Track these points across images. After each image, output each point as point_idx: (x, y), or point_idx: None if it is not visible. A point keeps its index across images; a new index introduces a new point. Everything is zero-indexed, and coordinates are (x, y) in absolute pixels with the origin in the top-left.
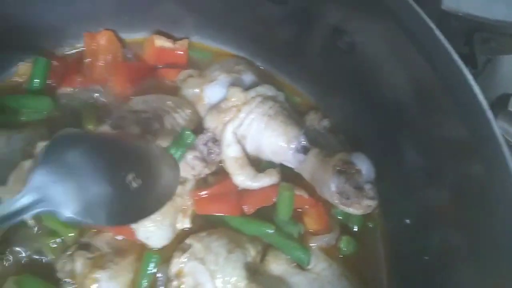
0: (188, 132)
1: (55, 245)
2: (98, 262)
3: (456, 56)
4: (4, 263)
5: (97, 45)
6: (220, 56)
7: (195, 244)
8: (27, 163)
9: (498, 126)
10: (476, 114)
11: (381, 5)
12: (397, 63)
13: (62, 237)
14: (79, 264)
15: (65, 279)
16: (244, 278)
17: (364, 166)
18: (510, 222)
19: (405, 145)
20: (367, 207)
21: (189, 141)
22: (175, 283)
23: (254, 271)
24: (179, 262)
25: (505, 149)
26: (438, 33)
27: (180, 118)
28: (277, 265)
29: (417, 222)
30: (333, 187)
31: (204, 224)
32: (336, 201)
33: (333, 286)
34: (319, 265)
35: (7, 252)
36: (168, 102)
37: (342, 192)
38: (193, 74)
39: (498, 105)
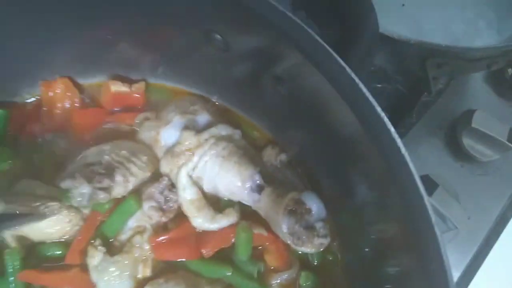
0: (132, 202)
1: None
2: None
3: (377, 107)
4: None
5: (54, 93)
6: (178, 94)
7: None
8: None
9: (463, 143)
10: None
11: (312, 58)
12: (338, 105)
13: None
14: None
15: None
16: None
17: (314, 205)
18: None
19: (355, 180)
20: (319, 245)
21: (133, 211)
22: None
23: None
24: None
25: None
26: (361, 86)
27: (135, 167)
28: None
29: (374, 253)
30: (284, 228)
31: (166, 268)
32: (289, 242)
33: None
34: None
35: None
36: (123, 151)
37: (293, 232)
38: (150, 116)
39: (462, 121)
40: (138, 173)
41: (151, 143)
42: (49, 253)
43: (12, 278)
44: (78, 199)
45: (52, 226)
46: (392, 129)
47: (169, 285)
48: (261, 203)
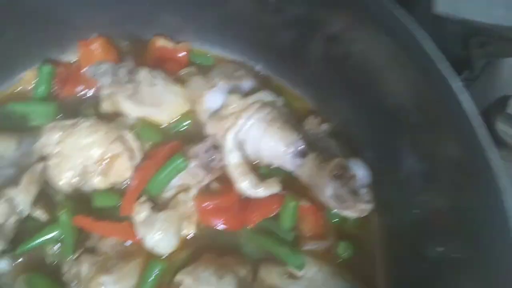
0: (180, 159)
1: (53, 251)
2: (104, 266)
3: (446, 68)
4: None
5: (92, 52)
6: (220, 61)
7: (185, 278)
8: (39, 166)
9: (497, 129)
10: (464, 125)
11: (374, 16)
12: (390, 72)
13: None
14: (85, 267)
15: (72, 282)
16: None
17: (359, 171)
18: (503, 235)
19: (403, 150)
20: (362, 210)
21: (181, 168)
22: None
23: None
24: None
25: (492, 155)
26: (430, 43)
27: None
28: (270, 280)
29: (414, 228)
30: (329, 191)
31: (189, 256)
32: (332, 205)
33: (329, 287)
34: (310, 270)
35: (17, 250)
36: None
37: (338, 196)
38: (195, 72)
39: (497, 107)
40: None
41: (194, 101)
42: (103, 203)
43: (66, 226)
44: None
45: None
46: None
47: (199, 270)
48: (304, 168)
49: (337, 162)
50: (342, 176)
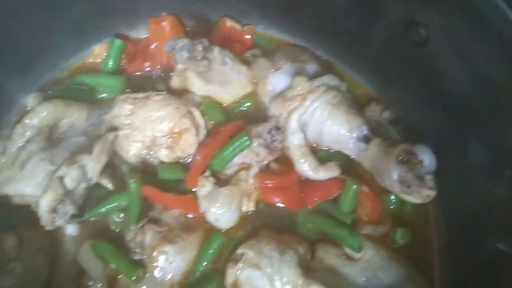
0: (245, 137)
1: (119, 220)
2: (167, 237)
3: None
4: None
5: (162, 30)
6: (283, 45)
7: (248, 252)
8: (110, 136)
9: None
10: None
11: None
12: (471, 58)
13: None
14: (149, 236)
15: (135, 249)
16: (300, 275)
17: (426, 157)
18: None
19: (468, 140)
20: (426, 196)
21: (245, 146)
22: None
23: (306, 269)
24: (234, 272)
25: None
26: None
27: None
28: (328, 260)
29: (474, 219)
30: (395, 176)
31: (248, 233)
32: (397, 189)
33: (385, 271)
34: (367, 253)
35: (85, 216)
36: None
37: (403, 180)
38: (259, 54)
39: None
40: None
41: (259, 81)
42: (168, 176)
43: (134, 194)
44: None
45: None
46: None
47: (261, 244)
48: (367, 153)
49: (404, 147)
50: (408, 161)
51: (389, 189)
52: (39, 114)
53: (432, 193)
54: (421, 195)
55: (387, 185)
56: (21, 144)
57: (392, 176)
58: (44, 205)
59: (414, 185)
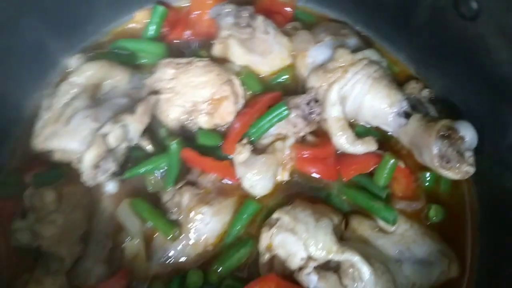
0: (284, 106)
1: (156, 181)
2: (204, 199)
3: None
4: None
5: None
6: (323, 20)
7: (283, 217)
8: (153, 98)
9: None
10: None
11: None
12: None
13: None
14: (187, 197)
15: (172, 209)
16: (335, 242)
17: (468, 133)
18: None
19: (507, 122)
20: (465, 173)
21: (283, 116)
22: (266, 256)
23: (340, 237)
24: (269, 236)
25: None
26: None
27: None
28: (361, 231)
29: (508, 201)
30: (435, 150)
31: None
32: (436, 164)
33: (418, 245)
34: (401, 227)
35: (125, 174)
36: None
37: (443, 155)
38: (299, 26)
39: None
40: None
41: (298, 54)
42: (206, 142)
43: (174, 156)
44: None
45: None
46: None
47: (297, 210)
48: (407, 128)
49: (445, 123)
50: (449, 137)
51: (427, 165)
52: (85, 73)
53: (471, 170)
54: (460, 171)
55: (425, 161)
56: (66, 101)
57: (432, 151)
58: (87, 160)
59: (453, 161)
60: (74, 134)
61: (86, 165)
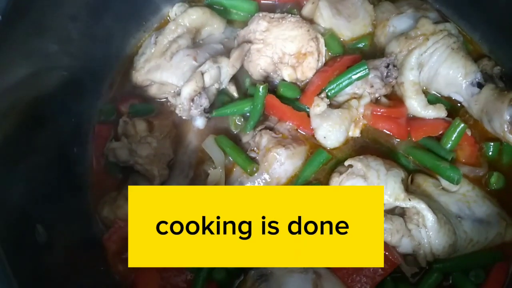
0: (365, 66)
1: (240, 123)
2: (281, 142)
3: None
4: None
5: None
6: None
7: (356, 163)
8: (247, 46)
9: None
10: None
11: None
12: None
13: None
14: (265, 139)
15: (252, 148)
16: (403, 190)
17: None
18: None
19: None
20: None
21: (363, 75)
22: None
23: (406, 190)
24: (338, 181)
25: None
26: None
27: None
28: (425, 187)
29: None
30: (506, 116)
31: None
32: (506, 129)
33: (478, 205)
34: (463, 187)
35: (213, 113)
36: None
37: None
38: None
39: None
40: None
41: (379, 23)
42: (286, 93)
43: (260, 100)
44: None
45: None
46: None
47: (369, 159)
48: (479, 96)
49: None
50: None
51: (495, 132)
52: (190, 16)
53: None
54: None
55: (494, 127)
56: (171, 39)
57: (504, 116)
58: (186, 93)
59: None
60: (175, 69)
61: (184, 97)
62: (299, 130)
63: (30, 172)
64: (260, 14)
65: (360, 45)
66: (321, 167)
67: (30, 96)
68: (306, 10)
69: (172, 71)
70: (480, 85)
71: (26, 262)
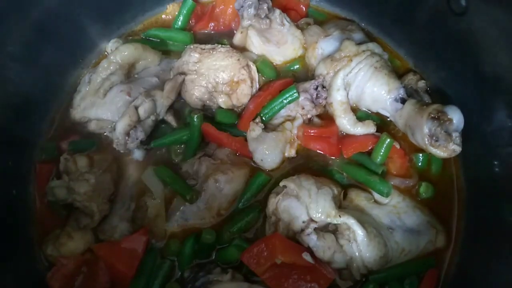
0: (294, 90)
1: (180, 151)
2: (219, 168)
3: None
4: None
5: None
6: (332, 17)
7: (289, 184)
8: (180, 78)
9: None
10: None
11: None
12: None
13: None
14: (204, 166)
15: (191, 177)
16: (333, 208)
17: (455, 116)
18: None
19: (495, 109)
20: (452, 151)
21: (293, 98)
22: (272, 219)
23: (339, 206)
24: (275, 202)
25: None
26: None
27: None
28: (358, 202)
29: (494, 183)
30: (426, 129)
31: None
32: (427, 142)
33: (408, 215)
34: (394, 199)
35: (151, 144)
36: None
37: (432, 134)
38: (311, 22)
39: None
40: None
41: (308, 46)
42: (223, 119)
43: (195, 128)
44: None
45: None
46: None
47: (302, 179)
48: (403, 111)
49: (436, 107)
50: (439, 118)
51: (419, 144)
52: (122, 52)
53: (457, 149)
54: (447, 149)
55: (417, 140)
56: (104, 76)
57: (423, 130)
58: (120, 127)
59: (442, 139)
60: (110, 105)
61: (118, 132)
62: (238, 154)
63: None
64: (192, 46)
65: (293, 68)
66: (261, 189)
67: None
68: (237, 39)
69: (106, 107)
70: (403, 101)
71: None
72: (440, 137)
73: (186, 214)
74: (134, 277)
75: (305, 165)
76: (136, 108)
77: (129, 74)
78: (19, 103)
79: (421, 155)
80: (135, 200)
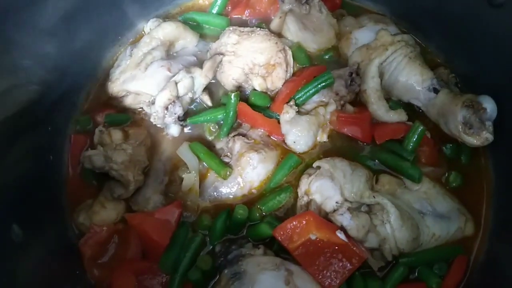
0: (330, 75)
1: (214, 130)
2: (253, 147)
3: None
4: (184, 129)
5: None
6: (364, 11)
7: (324, 164)
8: (219, 57)
9: None
10: None
11: None
12: None
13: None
14: (238, 144)
15: (225, 154)
16: (367, 188)
17: (489, 105)
18: None
19: None
20: (485, 139)
21: (328, 83)
22: (304, 199)
23: (371, 189)
24: (308, 182)
25: None
26: None
27: None
28: (389, 186)
29: None
30: (460, 117)
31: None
32: (460, 130)
33: (439, 202)
34: (424, 186)
35: (187, 121)
36: None
37: (466, 122)
38: (344, 13)
39: None
40: None
41: (342, 35)
42: (257, 102)
43: (232, 106)
44: None
45: None
46: None
47: (336, 160)
48: (436, 100)
49: (470, 96)
50: (473, 107)
51: (451, 133)
52: (164, 29)
53: (490, 137)
54: (480, 137)
55: (450, 128)
56: (146, 51)
57: (458, 117)
58: (160, 101)
59: (475, 127)
60: (150, 79)
61: (158, 105)
62: (270, 136)
63: (8, 176)
64: (231, 28)
65: (326, 57)
66: (292, 171)
67: (5, 109)
68: (274, 25)
69: (146, 81)
70: (436, 90)
71: (1, 261)
72: (474, 125)
73: (218, 190)
74: (166, 249)
75: (336, 151)
76: (176, 83)
77: (168, 51)
78: (57, 77)
79: (450, 145)
80: (168, 175)
